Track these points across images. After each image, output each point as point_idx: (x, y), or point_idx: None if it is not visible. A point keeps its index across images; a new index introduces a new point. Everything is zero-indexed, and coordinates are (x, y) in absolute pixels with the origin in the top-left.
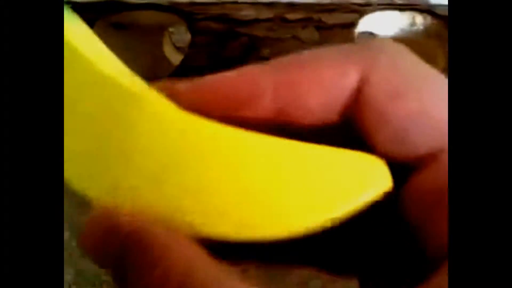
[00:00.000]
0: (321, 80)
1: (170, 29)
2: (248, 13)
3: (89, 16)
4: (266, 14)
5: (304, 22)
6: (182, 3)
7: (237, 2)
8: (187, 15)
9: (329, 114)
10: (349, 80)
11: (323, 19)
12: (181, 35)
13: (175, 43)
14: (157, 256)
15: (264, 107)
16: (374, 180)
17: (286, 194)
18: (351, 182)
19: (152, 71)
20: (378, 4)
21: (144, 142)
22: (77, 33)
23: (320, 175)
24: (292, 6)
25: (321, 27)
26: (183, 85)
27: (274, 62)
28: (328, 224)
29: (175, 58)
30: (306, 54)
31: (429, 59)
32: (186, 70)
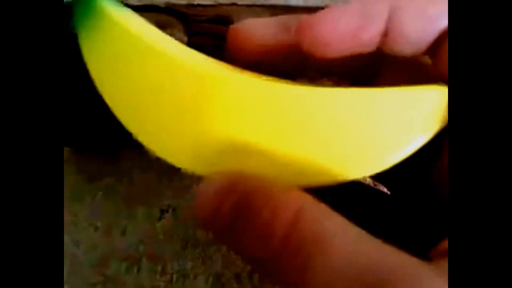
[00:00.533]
0: (430, 9)
1: (167, 31)
2: (245, 15)
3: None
4: (264, 16)
5: None
6: (179, 5)
7: (235, 4)
8: (184, 17)
9: (421, 46)
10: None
11: None
12: (178, 36)
13: None
14: (264, 199)
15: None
16: (426, 120)
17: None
18: (406, 124)
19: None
20: None
21: (224, 115)
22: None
23: (374, 119)
24: (289, 9)
25: None
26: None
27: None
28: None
29: None
30: None
31: None
32: None
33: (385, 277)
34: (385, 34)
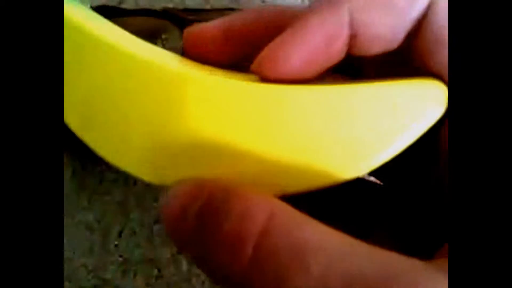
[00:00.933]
0: (394, 4)
1: (163, 36)
2: None
3: None
4: None
5: None
6: (175, 9)
7: (231, 9)
8: (181, 22)
9: (392, 42)
10: (420, 4)
11: None
12: (175, 41)
13: (168, 49)
14: (231, 203)
15: (343, 37)
16: (426, 111)
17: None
18: (405, 116)
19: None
20: None
21: (195, 118)
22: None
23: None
24: None
25: None
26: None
27: None
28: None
29: None
30: None
31: None
32: None
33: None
34: (353, 39)
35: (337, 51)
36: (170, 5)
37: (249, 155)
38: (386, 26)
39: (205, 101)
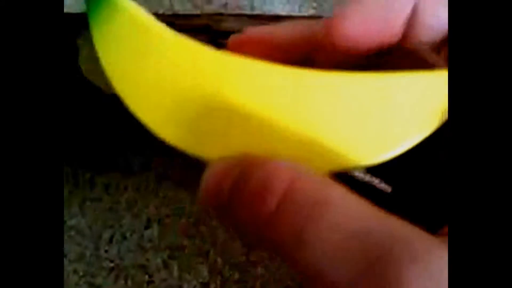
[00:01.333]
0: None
1: None
2: (232, 25)
3: (74, 28)
4: (250, 25)
5: None
6: (164, 15)
7: (221, 14)
8: (170, 27)
9: (441, 33)
10: None
11: None
12: None
13: None
14: (263, 168)
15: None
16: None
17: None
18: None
19: None
20: None
21: (233, 99)
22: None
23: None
24: (276, 18)
25: None
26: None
27: None
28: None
29: None
30: None
31: None
32: None
33: (386, 245)
34: (409, 25)
35: (395, 27)
36: (160, 11)
37: (279, 134)
38: (439, 20)
39: (243, 81)
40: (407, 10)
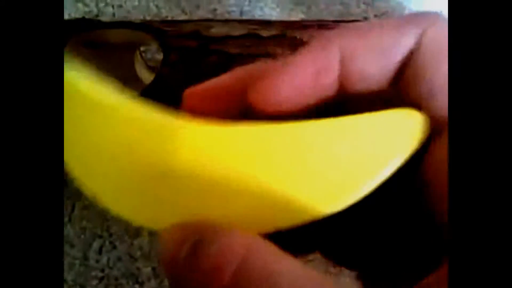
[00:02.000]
0: (381, 43)
1: (142, 48)
2: (221, 30)
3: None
4: (239, 31)
5: (278, 39)
6: (154, 21)
7: (210, 20)
8: (159, 33)
9: (381, 80)
10: (406, 41)
11: (297, 35)
12: (153, 53)
13: (146, 62)
14: (218, 239)
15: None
16: (402, 142)
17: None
18: (379, 149)
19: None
20: (353, 21)
21: (184, 165)
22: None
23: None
24: (265, 23)
25: (295, 43)
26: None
27: (338, 31)
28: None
29: (147, 76)
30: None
31: None
32: (159, 88)
33: None
34: (344, 77)
35: (326, 85)
36: (148, 17)
37: (235, 195)
38: (375, 66)
39: (193, 146)
40: (335, 65)
